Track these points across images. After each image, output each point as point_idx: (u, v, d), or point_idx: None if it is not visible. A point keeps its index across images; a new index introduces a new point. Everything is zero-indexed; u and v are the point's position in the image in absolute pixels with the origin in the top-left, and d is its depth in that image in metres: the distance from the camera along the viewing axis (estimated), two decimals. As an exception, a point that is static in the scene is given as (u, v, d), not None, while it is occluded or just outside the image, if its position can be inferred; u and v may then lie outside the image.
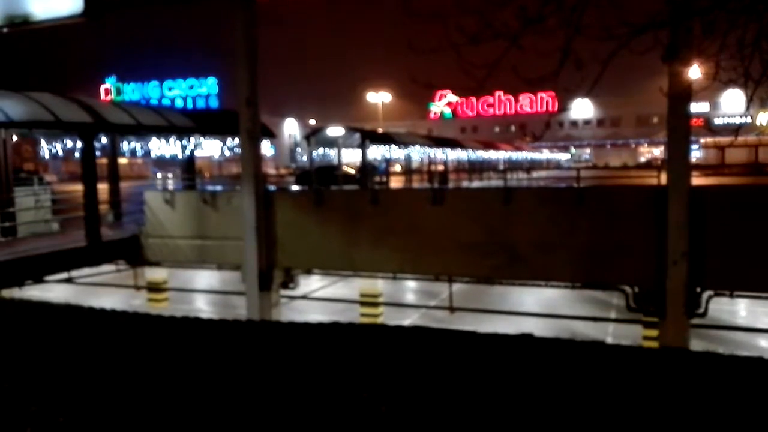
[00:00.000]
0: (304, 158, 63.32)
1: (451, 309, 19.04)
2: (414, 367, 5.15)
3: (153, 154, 22.34)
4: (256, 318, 14.34)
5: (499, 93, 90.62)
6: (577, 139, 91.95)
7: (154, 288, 21.83)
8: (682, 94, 11.08)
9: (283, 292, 16.34)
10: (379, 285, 19.10)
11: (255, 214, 14.89)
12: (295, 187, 24.88)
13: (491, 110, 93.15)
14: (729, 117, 72.89)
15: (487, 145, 57.23)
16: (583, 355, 5.69)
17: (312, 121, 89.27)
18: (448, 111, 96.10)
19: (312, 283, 22.62)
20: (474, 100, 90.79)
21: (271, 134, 22.66)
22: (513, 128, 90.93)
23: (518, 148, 67.35)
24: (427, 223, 14.10)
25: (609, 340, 15.92)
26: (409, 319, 18.79)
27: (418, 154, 39.50)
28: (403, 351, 5.64)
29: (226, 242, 15.88)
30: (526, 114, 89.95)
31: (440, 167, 42.41)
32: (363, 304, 18.92)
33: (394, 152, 34.82)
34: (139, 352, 5.72)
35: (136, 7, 16.89)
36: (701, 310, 12.45)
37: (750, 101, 5.20)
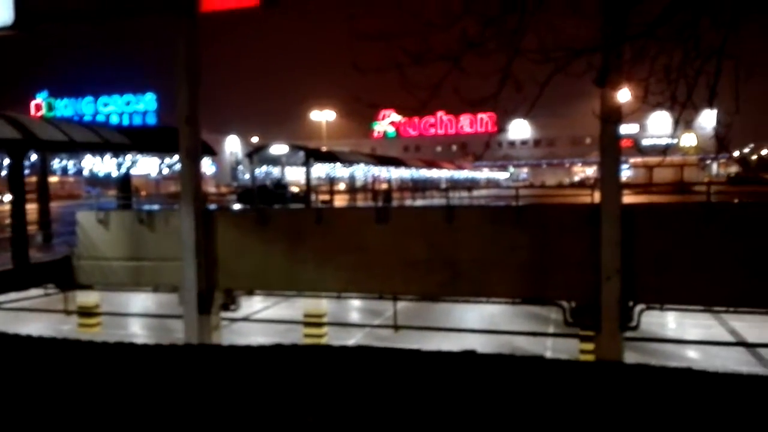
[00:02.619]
0: (246, 176, 62.33)
1: (396, 327, 19.03)
2: (360, 388, 5.09)
3: (86, 172, 21.45)
4: (195, 342, 13.90)
5: (440, 113, 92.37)
6: (515, 158, 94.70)
7: (86, 312, 20.82)
8: (613, 116, 11.58)
9: (224, 314, 15.92)
10: (324, 305, 18.88)
11: (194, 234, 14.50)
12: (236, 206, 24.40)
13: (433, 130, 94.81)
14: (656, 138, 76.83)
15: (430, 164, 58.05)
16: (524, 370, 5.80)
17: (255, 139, 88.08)
18: (391, 130, 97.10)
19: (254, 305, 22.14)
20: (416, 119, 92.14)
21: (212, 152, 22.21)
22: (454, 147, 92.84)
23: (459, 167, 68.62)
24: (372, 241, 14.11)
25: (548, 354, 16.26)
26: (353, 339, 18.64)
27: (362, 172, 39.63)
28: (349, 372, 5.58)
29: (164, 263, 15.37)
30: (467, 134, 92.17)
31: (384, 186, 42.61)
32: (307, 324, 18.64)
33: (339, 170, 34.79)
34: (65, 380, 5.42)
35: (70, 20, 16.25)
36: (634, 324, 12.95)
37: (677, 123, 5.48)
